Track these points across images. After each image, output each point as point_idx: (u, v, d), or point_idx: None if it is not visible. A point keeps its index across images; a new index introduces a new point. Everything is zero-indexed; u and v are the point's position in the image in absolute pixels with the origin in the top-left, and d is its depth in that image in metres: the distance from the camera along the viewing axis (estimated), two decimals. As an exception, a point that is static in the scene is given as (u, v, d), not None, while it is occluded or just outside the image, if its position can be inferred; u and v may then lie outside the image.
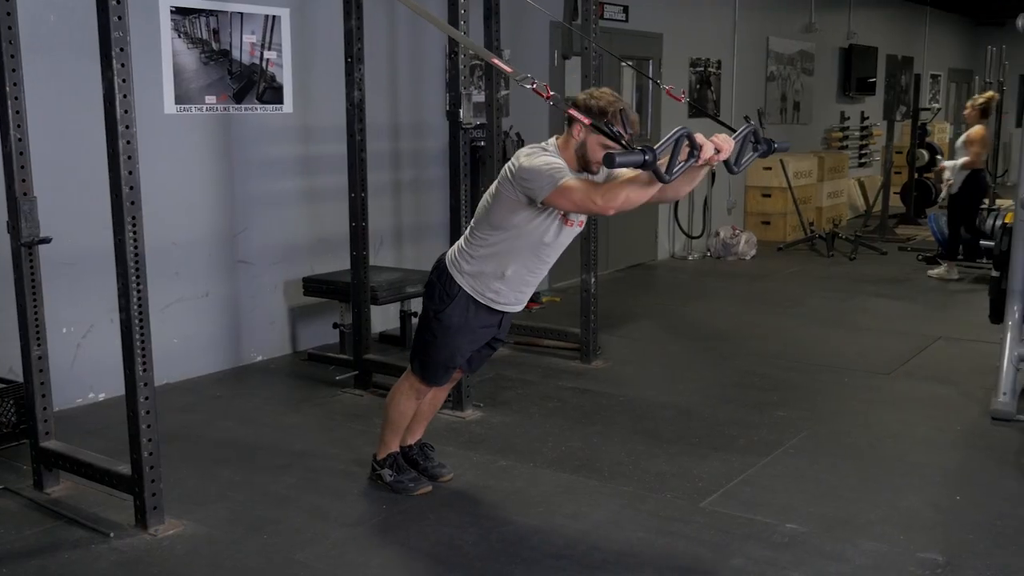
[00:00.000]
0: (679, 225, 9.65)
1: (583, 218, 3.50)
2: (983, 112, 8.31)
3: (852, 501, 3.79)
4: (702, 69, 9.79)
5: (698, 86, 9.77)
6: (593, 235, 5.64)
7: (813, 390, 5.29)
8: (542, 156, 3.26)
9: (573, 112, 3.13)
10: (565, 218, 3.41)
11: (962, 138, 8.34)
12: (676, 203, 9.49)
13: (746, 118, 3.93)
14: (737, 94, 10.39)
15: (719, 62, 10.07)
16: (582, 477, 4.01)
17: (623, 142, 2.97)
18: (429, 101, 6.75)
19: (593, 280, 5.65)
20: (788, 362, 5.83)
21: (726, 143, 3.00)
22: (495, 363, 5.72)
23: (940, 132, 14.23)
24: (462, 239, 3.58)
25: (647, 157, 2.79)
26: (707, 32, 9.85)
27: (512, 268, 3.47)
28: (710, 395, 5.21)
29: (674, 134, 2.86)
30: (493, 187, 3.43)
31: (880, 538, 3.45)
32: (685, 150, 2.90)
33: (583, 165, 3.34)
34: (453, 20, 4.55)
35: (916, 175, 11.54)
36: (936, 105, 15.31)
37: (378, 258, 6.28)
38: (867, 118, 13.42)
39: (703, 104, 9.80)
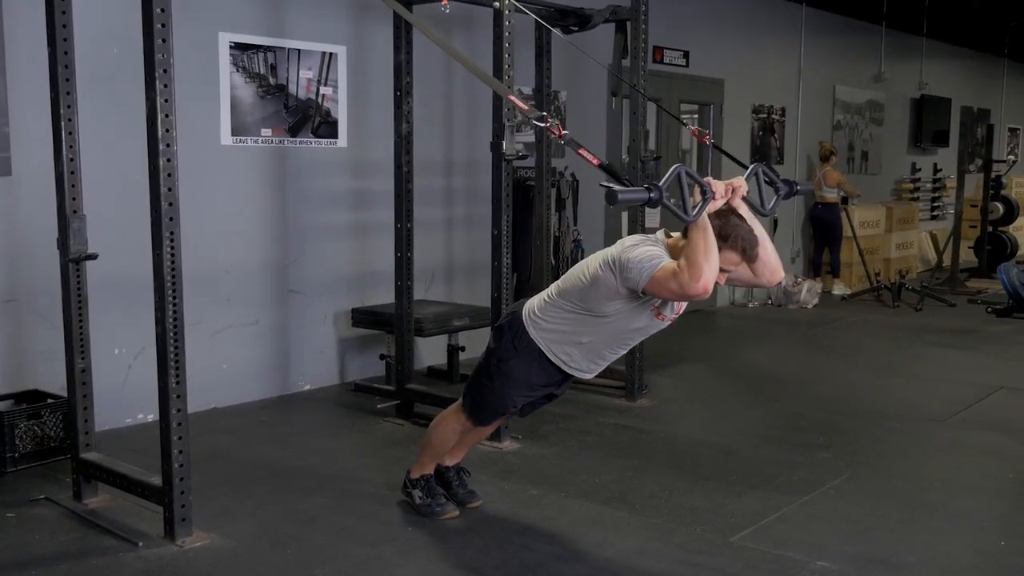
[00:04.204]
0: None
1: (675, 315, 3.45)
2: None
3: (890, 542, 3.68)
4: (765, 116, 9.75)
5: (760, 133, 9.72)
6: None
7: (861, 434, 5.16)
8: (644, 247, 3.23)
9: (583, 152, 3.11)
10: (658, 312, 3.37)
11: None
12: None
13: (759, 160, 4.05)
14: (802, 142, 10.31)
15: (783, 109, 10.02)
16: (612, 508, 3.96)
17: (625, 180, 3.04)
18: (483, 139, 6.80)
19: (639, 317, 5.61)
20: (838, 407, 5.69)
21: (738, 181, 3.16)
22: (538, 398, 5.71)
23: (1019, 186, 13.88)
24: (544, 295, 3.53)
25: (652, 195, 2.85)
26: (771, 79, 9.81)
27: (590, 339, 3.44)
28: (754, 435, 5.11)
29: (673, 171, 2.95)
30: (590, 266, 3.36)
31: (914, 579, 3.34)
32: (698, 190, 2.98)
33: None
34: (498, 57, 4.63)
35: (991, 228, 11.28)
36: (1012, 158, 14.94)
37: (428, 293, 6.34)
38: (940, 170, 13.17)
39: (766, 151, 9.75)
